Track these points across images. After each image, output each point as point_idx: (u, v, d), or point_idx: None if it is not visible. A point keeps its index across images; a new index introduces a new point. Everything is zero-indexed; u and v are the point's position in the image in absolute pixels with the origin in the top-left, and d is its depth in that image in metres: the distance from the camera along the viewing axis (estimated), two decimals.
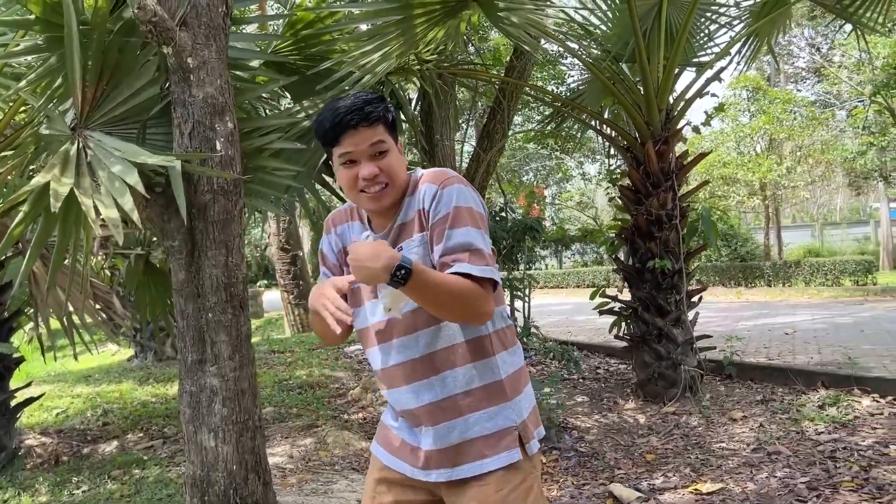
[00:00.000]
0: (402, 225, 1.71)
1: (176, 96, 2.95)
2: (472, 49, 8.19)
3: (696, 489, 3.76)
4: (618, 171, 6.87)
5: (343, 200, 4.99)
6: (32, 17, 2.94)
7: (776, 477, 3.80)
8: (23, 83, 3.06)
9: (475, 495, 1.66)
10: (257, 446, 3.09)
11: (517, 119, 13.57)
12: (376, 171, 1.64)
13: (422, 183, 1.69)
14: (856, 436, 4.32)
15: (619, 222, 6.25)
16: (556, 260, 27.46)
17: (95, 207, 2.64)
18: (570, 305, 15.04)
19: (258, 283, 26.49)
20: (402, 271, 1.47)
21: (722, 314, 11.38)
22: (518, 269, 7.69)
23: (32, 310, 4.49)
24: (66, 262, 3.33)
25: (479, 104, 9.93)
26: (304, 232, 19.27)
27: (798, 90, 24.75)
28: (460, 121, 9.62)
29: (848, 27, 6.44)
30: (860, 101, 18.26)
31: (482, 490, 1.66)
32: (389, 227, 1.72)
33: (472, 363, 1.68)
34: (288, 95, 4.48)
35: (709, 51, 6.50)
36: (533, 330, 6.74)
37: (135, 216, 2.62)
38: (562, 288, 22.21)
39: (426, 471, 1.71)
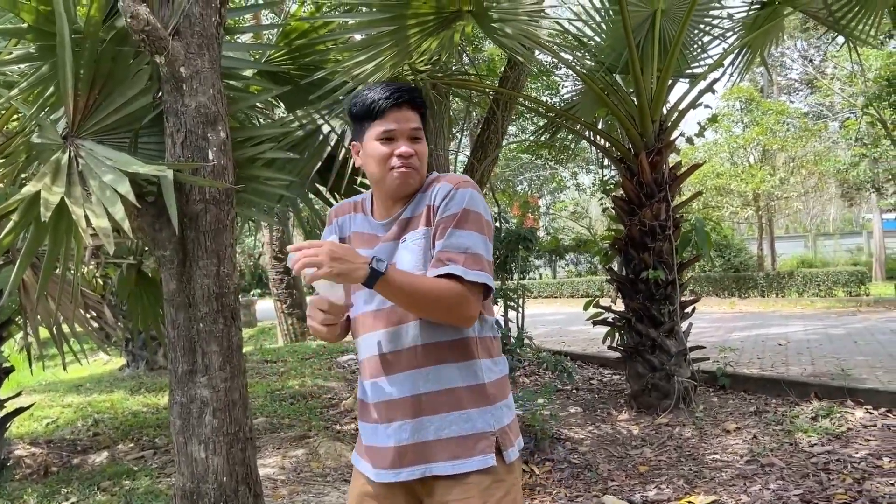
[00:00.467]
0: (408, 218, 1.74)
1: (168, 105, 2.94)
2: (466, 59, 8.20)
3: (689, 501, 3.75)
4: (611, 181, 6.88)
5: None
6: (25, 25, 2.93)
7: (769, 489, 3.79)
8: (14, 91, 3.05)
9: None
10: (248, 458, 3.07)
11: (511, 129, 13.59)
12: (412, 151, 1.71)
13: (437, 182, 1.74)
14: (849, 448, 4.31)
15: (613, 233, 6.25)
16: (550, 269, 27.46)
17: (86, 217, 2.62)
18: (564, 315, 15.04)
19: (251, 293, 26.42)
20: (378, 261, 1.53)
21: (715, 325, 11.40)
22: (512, 279, 7.68)
23: (22, 319, 4.46)
24: (56, 271, 3.30)
25: (474, 114, 9.94)
26: (299, 240, 19.25)
27: (791, 101, 24.90)
28: (454, 130, 9.62)
29: (840, 39, 6.47)
30: (853, 113, 18.36)
31: (465, 502, 1.65)
32: (395, 216, 1.76)
33: (456, 362, 1.70)
34: (282, 105, 4.48)
35: (702, 62, 6.54)
36: (526, 340, 6.71)
37: (126, 226, 2.60)
38: (556, 298, 22.24)
39: (396, 469, 1.70)
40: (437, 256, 1.65)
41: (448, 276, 1.61)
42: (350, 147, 1.83)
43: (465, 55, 8.05)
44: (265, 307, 21.67)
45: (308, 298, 1.68)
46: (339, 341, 1.92)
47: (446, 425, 1.67)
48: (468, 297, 1.62)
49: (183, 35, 2.92)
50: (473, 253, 1.64)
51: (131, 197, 2.61)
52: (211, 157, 2.94)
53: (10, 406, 5.08)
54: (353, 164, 1.80)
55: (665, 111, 5.91)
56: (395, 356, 1.71)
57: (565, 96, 8.64)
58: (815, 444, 4.43)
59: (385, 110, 1.70)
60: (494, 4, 4.36)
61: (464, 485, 1.65)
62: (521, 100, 7.21)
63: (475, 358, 1.72)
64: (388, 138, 1.71)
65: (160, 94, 3.03)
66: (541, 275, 26.47)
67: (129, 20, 2.72)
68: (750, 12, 6.13)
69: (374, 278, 1.53)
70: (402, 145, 1.70)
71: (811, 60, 23.92)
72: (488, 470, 1.66)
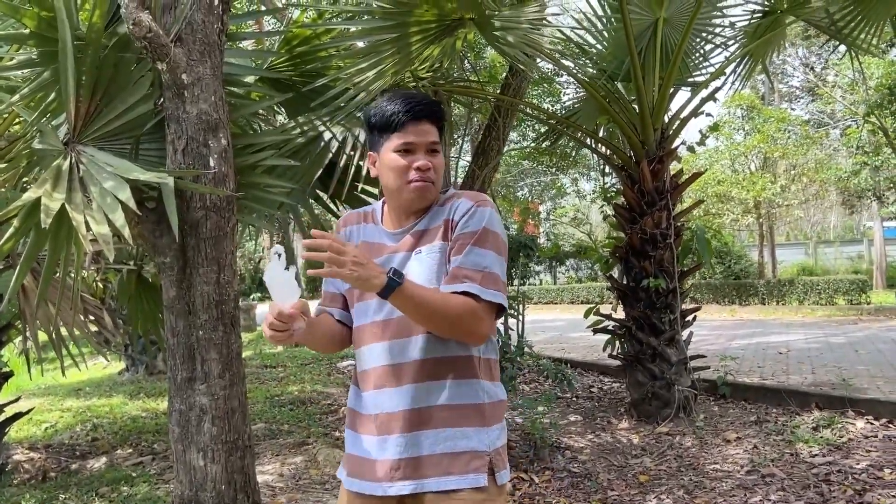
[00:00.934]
0: (423, 231, 1.74)
1: (170, 112, 2.94)
2: (468, 66, 8.21)
3: None
4: (612, 189, 6.88)
5: (337, 216, 4.95)
6: (27, 31, 2.93)
7: (770, 500, 3.77)
8: (16, 97, 3.04)
9: None
10: (247, 466, 3.06)
11: (513, 135, 13.59)
12: (430, 165, 1.71)
13: (456, 197, 1.75)
14: (850, 458, 4.30)
15: (614, 240, 6.24)
16: (550, 276, 27.45)
17: (87, 223, 2.62)
18: (564, 322, 15.01)
19: (251, 297, 26.38)
20: (396, 272, 1.55)
21: (716, 332, 11.38)
22: (512, 285, 7.68)
23: (22, 323, 4.45)
24: (56, 276, 3.30)
25: (475, 119, 9.94)
26: (299, 246, 19.22)
27: (792, 109, 24.91)
28: (456, 136, 9.63)
29: (842, 48, 6.47)
30: (854, 121, 18.36)
31: None
32: (408, 227, 1.76)
33: (458, 380, 1.69)
34: (283, 112, 4.48)
35: (704, 71, 6.53)
36: (526, 348, 6.70)
37: (126, 232, 2.60)
38: (556, 304, 22.20)
39: (388, 483, 1.69)
40: (452, 272, 1.66)
41: (464, 293, 1.62)
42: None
43: (466, 62, 8.05)
44: (265, 311, 21.64)
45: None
46: (333, 352, 1.91)
47: (441, 441, 1.67)
48: (482, 315, 1.64)
49: (185, 42, 2.92)
50: (491, 272, 1.65)
51: (132, 204, 2.61)
52: (212, 164, 2.94)
53: (10, 410, 5.07)
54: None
55: (667, 119, 5.91)
56: (399, 368, 1.70)
57: (567, 103, 8.64)
58: (816, 455, 4.42)
59: (405, 123, 1.70)
60: (496, 13, 4.36)
61: (455, 501, 1.65)
62: (522, 107, 7.20)
63: (477, 378, 1.72)
64: (406, 150, 1.71)
65: (162, 100, 3.03)
66: (541, 280, 26.49)
67: (131, 27, 2.72)
68: (752, 21, 6.13)
69: (390, 289, 1.53)
70: (420, 158, 1.70)
71: (812, 68, 23.94)
72: (480, 489, 1.66)
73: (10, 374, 5.19)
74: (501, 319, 6.81)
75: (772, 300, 16.85)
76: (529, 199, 23.85)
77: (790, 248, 27.21)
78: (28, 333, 4.29)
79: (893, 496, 3.65)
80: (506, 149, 8.80)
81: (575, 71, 6.29)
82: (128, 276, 4.93)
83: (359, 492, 1.75)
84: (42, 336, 4.65)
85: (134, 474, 4.81)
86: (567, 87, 10.93)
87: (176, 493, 3.00)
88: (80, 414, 7.03)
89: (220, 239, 2.98)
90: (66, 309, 4.15)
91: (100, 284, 6.75)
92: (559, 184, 23.24)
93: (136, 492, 4.41)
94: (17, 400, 5.37)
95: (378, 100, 1.79)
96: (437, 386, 1.68)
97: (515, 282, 7.79)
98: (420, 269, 1.70)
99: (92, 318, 4.90)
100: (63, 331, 4.48)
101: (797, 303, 16.29)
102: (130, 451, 5.53)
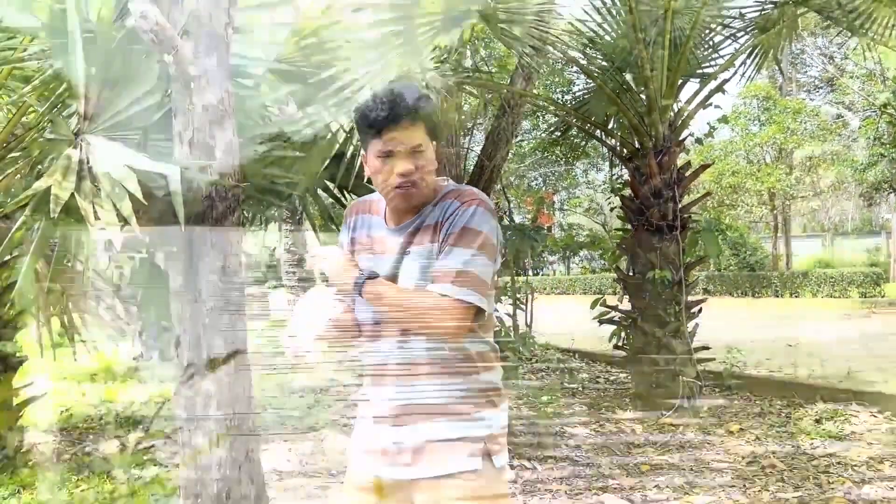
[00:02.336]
0: (416, 230, 1.74)
1: (177, 104, 2.99)
2: (481, 55, 8.21)
3: (688, 502, 3.77)
4: (619, 181, 6.89)
5: (344, 205, 4.99)
6: (39, 23, 3.00)
7: (769, 491, 3.80)
8: (28, 88, 3.12)
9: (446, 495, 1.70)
10: (251, 451, 3.12)
11: (526, 125, 13.55)
12: (412, 168, 1.67)
13: (448, 197, 1.73)
14: (851, 451, 4.31)
15: (622, 232, 6.26)
16: (563, 266, 27.42)
17: (95, 212, 2.69)
18: (575, 313, 15.00)
19: (266, 284, 26.54)
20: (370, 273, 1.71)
21: (727, 324, 11.34)
22: (520, 276, 7.72)
23: (35, 309, 4.53)
24: (67, 263, 3.38)
25: (489, 109, 9.95)
26: (311, 235, 19.30)
27: (811, 99, 24.63)
28: (469, 125, 9.64)
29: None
30: (873, 112, 18.15)
31: (453, 502, 1.69)
32: (404, 225, 1.76)
33: (448, 371, 1.72)
34: (291, 102, 4.52)
35: (713, 62, 6.50)
36: (532, 339, 6.75)
37: (133, 222, 2.66)
38: (568, 294, 22.19)
39: (390, 466, 1.75)
40: (432, 274, 1.67)
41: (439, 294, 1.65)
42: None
43: (481, 51, 8.06)
44: (279, 299, 21.78)
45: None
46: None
47: (435, 430, 1.71)
48: (453, 313, 1.64)
49: (192, 35, 2.96)
50: (464, 271, 1.64)
51: (139, 194, 2.68)
52: (218, 155, 2.98)
53: (24, 394, 5.17)
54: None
55: (676, 109, 5.90)
56: (392, 366, 1.74)
57: (577, 93, 8.63)
58: (818, 447, 4.44)
59: (381, 129, 1.66)
60: (502, 5, 4.37)
61: (452, 488, 1.69)
62: (531, 98, 7.20)
63: (467, 369, 1.74)
64: (386, 156, 1.67)
65: (169, 92, 3.08)
66: (554, 271, 26.47)
67: (138, 20, 2.77)
68: (763, 12, 6.09)
69: (357, 286, 1.68)
70: (400, 163, 1.66)
71: (831, 58, 23.64)
72: (475, 472, 1.70)
73: (25, 359, 5.28)
74: (509, 309, 6.87)
75: (785, 292, 16.76)
76: (543, 188, 23.79)
77: (807, 240, 27.01)
78: (41, 319, 4.38)
79: (892, 489, 3.67)
80: (518, 138, 8.82)
81: (583, 62, 6.29)
82: (141, 262, 5.01)
83: (369, 472, 1.81)
84: (57, 323, 4.75)
85: (145, 458, 4.91)
86: (579, 77, 10.89)
87: (182, 476, 3.07)
88: (95, 398, 7.15)
89: (226, 228, 3.03)
90: (78, 295, 4.23)
91: (115, 271, 6.83)
92: (573, 174, 23.13)
93: (147, 475, 4.51)
94: (31, 384, 5.47)
95: (364, 97, 1.76)
96: (427, 380, 1.72)
97: (529, 272, 7.83)
98: (411, 270, 1.73)
99: (104, 304, 4.99)
100: (76, 317, 4.57)
101: (811, 295, 16.20)
102: (142, 434, 5.63)
